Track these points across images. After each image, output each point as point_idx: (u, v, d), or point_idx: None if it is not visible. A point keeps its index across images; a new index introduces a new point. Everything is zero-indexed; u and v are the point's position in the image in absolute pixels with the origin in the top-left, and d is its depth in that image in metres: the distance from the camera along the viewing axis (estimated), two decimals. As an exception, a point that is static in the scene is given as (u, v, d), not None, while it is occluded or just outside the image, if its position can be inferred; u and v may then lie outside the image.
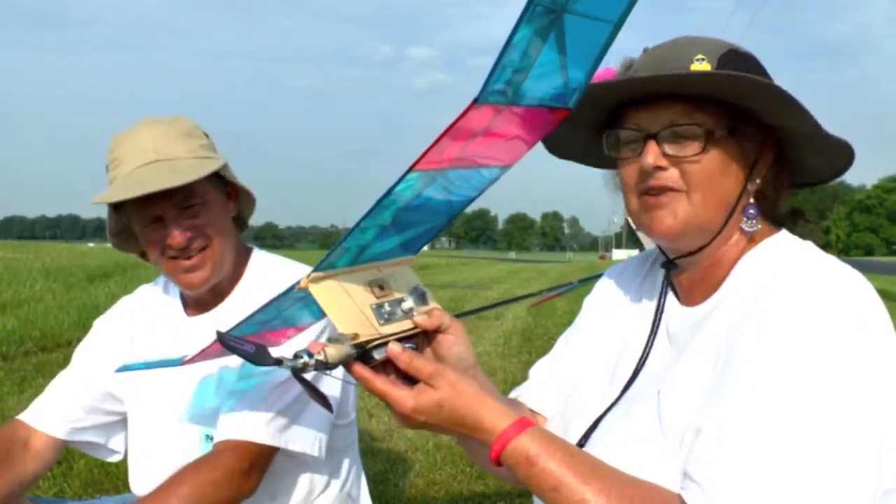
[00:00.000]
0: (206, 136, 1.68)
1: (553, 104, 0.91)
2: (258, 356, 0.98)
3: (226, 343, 1.00)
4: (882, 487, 0.92)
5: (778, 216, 1.16)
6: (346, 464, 1.77)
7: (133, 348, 1.74)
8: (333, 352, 0.97)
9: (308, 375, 1.00)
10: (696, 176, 1.07)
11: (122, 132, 1.63)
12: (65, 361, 5.74)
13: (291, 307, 1.12)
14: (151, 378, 1.67)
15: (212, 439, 1.58)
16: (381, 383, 0.99)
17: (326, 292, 1.01)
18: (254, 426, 1.48)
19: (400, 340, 1.04)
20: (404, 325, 1.06)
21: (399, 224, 1.01)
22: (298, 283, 1.01)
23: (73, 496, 3.14)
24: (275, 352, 0.99)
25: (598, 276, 1.53)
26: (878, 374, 0.93)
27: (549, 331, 8.43)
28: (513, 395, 1.38)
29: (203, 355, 1.38)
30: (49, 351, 6.68)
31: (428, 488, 3.41)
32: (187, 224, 1.57)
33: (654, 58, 1.10)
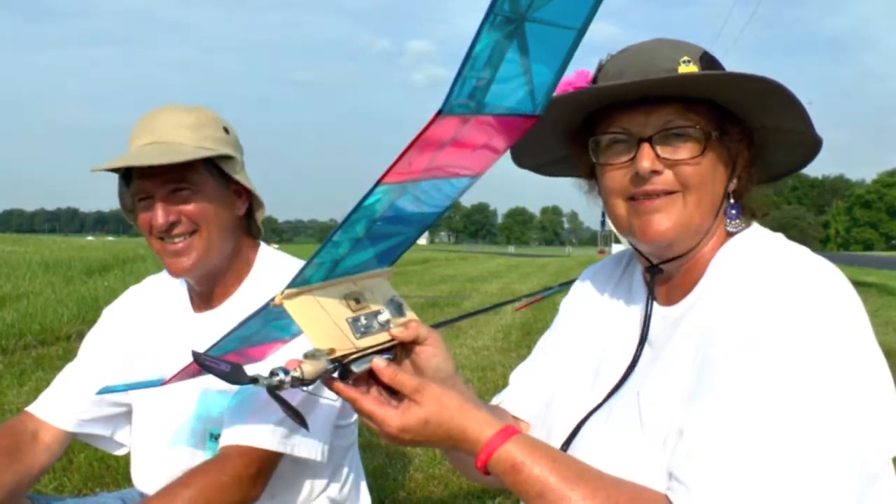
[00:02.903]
0: (227, 131, 1.68)
1: (520, 112, 0.91)
2: (234, 375, 0.98)
3: (202, 363, 1.00)
4: (867, 473, 0.93)
5: (750, 210, 1.16)
6: (346, 462, 1.77)
7: (139, 343, 1.75)
8: (310, 368, 0.97)
9: (287, 393, 1.00)
10: (693, 178, 1.07)
11: (147, 113, 1.66)
12: (65, 354, 5.70)
13: (273, 321, 1.12)
14: (158, 373, 1.67)
15: (216, 437, 1.58)
16: (367, 404, 1.00)
17: (301, 308, 1.01)
18: (261, 432, 1.48)
19: (378, 353, 1.04)
20: (381, 338, 1.06)
21: (373, 236, 1.02)
22: (273, 299, 1.01)
23: (72, 490, 3.15)
24: (251, 370, 1.00)
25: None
26: (854, 363, 0.94)
27: (548, 325, 8.42)
28: (494, 401, 1.38)
29: (182, 375, 1.39)
30: (48, 344, 6.67)
31: (427, 483, 3.41)
32: (174, 208, 1.59)
33: (639, 60, 1.09)
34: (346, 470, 1.76)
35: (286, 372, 0.96)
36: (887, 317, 9.65)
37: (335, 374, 1.01)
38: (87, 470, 3.37)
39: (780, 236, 1.12)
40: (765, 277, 1.00)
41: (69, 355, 1.81)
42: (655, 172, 1.07)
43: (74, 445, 3.33)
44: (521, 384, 1.35)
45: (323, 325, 1.01)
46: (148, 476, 1.72)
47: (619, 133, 1.10)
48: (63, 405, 1.71)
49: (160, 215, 1.58)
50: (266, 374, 0.97)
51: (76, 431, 1.72)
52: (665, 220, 1.08)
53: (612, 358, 1.21)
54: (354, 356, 1.01)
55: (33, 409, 1.72)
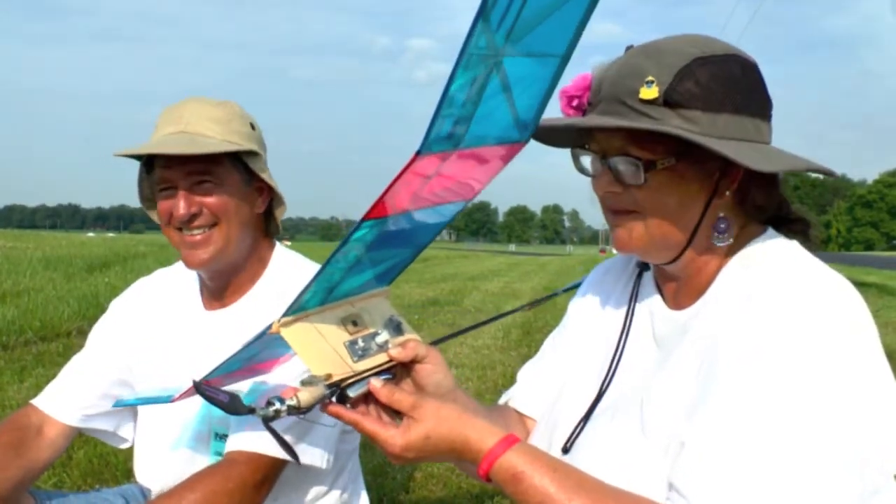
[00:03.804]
0: (253, 127, 1.69)
1: (506, 141, 0.91)
2: (232, 405, 0.99)
3: (201, 392, 1.02)
4: (869, 488, 0.92)
5: (764, 214, 1.14)
6: (348, 467, 1.77)
7: (147, 338, 1.74)
8: (306, 396, 0.98)
9: (279, 425, 1.01)
10: (645, 201, 1.07)
11: (174, 104, 1.67)
12: (65, 351, 5.68)
13: (276, 341, 1.13)
14: (163, 370, 1.68)
15: (220, 436, 1.58)
16: (369, 425, 1.01)
17: (298, 335, 1.01)
18: (268, 439, 1.48)
19: (376, 374, 1.05)
20: (379, 360, 1.06)
21: (372, 259, 1.02)
22: (270, 327, 1.01)
23: (71, 486, 3.14)
24: (257, 381, 1.00)
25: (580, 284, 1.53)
26: (859, 380, 0.93)
27: (549, 324, 8.44)
28: (502, 399, 1.39)
29: (191, 391, 1.39)
30: (49, 341, 6.67)
31: (426, 481, 3.41)
32: (196, 199, 1.59)
33: (611, 77, 1.08)
34: (347, 473, 1.77)
35: (282, 401, 0.97)
36: (887, 317, 9.64)
37: (333, 399, 1.02)
38: (87, 466, 3.37)
39: (794, 244, 1.10)
40: (770, 289, 0.99)
41: (70, 352, 1.82)
42: (613, 192, 1.09)
43: (74, 441, 3.33)
44: (529, 382, 1.36)
45: (320, 350, 1.02)
46: (151, 472, 1.72)
47: (591, 151, 1.11)
48: (69, 400, 1.70)
49: (182, 206, 1.58)
50: (263, 404, 0.98)
51: (81, 426, 1.71)
52: (625, 234, 1.11)
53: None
54: (352, 380, 1.02)
55: (38, 402, 1.71)
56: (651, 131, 1.02)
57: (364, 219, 0.90)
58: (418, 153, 0.81)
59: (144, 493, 1.77)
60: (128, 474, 1.80)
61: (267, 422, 0.99)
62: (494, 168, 0.96)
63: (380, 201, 0.87)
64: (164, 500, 1.43)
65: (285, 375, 1.38)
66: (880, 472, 0.93)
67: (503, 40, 0.76)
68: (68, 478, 3.25)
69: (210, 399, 1.01)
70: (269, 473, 1.49)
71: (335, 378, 1.00)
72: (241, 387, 1.51)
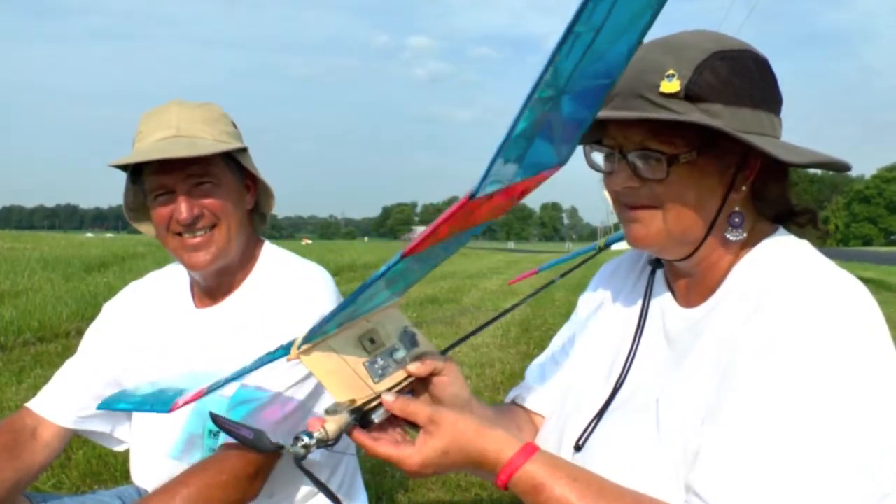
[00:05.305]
0: (234, 125, 1.69)
1: (546, 167, 0.90)
2: (257, 441, 0.98)
3: (223, 427, 1.00)
4: (881, 491, 0.92)
5: (776, 212, 1.13)
6: (344, 460, 1.77)
7: (140, 338, 1.74)
8: (333, 426, 0.97)
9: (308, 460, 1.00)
10: (665, 195, 1.06)
11: (153, 109, 1.65)
12: (63, 352, 5.66)
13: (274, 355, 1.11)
14: (157, 370, 1.67)
15: (214, 434, 1.57)
16: (383, 448, 1.00)
17: (319, 362, 1.00)
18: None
19: (398, 392, 1.04)
20: (398, 377, 1.06)
21: (389, 282, 1.01)
22: (288, 351, 1.01)
23: (70, 487, 3.14)
24: (274, 434, 1.00)
25: (576, 269, 1.52)
26: (874, 379, 0.93)
27: (548, 322, 8.40)
28: (510, 396, 1.38)
29: (190, 401, 1.39)
30: (47, 341, 6.66)
31: (425, 480, 3.40)
32: (197, 202, 1.59)
33: (632, 71, 1.06)
34: (343, 467, 1.77)
35: (310, 435, 0.96)
36: (886, 313, 9.60)
37: (356, 424, 1.01)
38: (86, 467, 3.37)
39: (805, 244, 1.10)
40: (784, 292, 0.98)
41: (68, 352, 1.81)
42: (631, 187, 1.07)
43: (73, 442, 3.33)
44: (537, 378, 1.36)
45: (341, 375, 1.01)
46: (147, 473, 1.71)
47: (607, 146, 1.10)
48: (63, 402, 1.70)
49: (184, 209, 1.57)
50: (290, 441, 0.97)
51: (76, 428, 1.71)
52: (642, 229, 1.09)
53: (625, 354, 1.20)
54: (375, 402, 1.02)
55: (33, 405, 1.71)
56: (679, 123, 1.01)
57: (404, 255, 0.88)
58: (472, 197, 0.79)
59: (141, 493, 1.77)
60: (127, 475, 1.80)
61: (299, 461, 0.97)
62: (530, 190, 0.96)
63: (423, 241, 0.86)
64: (158, 497, 1.43)
65: (268, 375, 1.38)
66: (892, 474, 0.93)
67: (566, 79, 0.74)
68: (67, 479, 3.25)
69: (232, 434, 0.99)
70: (262, 465, 1.48)
71: (359, 402, 1.00)
72: (227, 391, 1.51)
